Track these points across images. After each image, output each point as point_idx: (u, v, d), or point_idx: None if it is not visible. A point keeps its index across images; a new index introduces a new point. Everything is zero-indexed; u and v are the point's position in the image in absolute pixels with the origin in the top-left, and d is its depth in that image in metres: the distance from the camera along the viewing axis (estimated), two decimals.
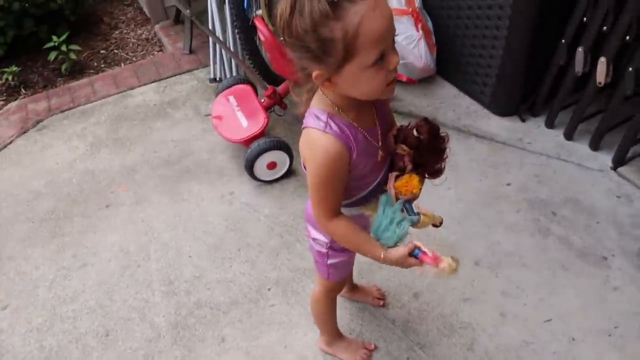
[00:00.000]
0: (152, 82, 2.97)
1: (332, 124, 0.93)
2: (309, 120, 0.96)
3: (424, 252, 0.96)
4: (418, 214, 1.03)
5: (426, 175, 1.02)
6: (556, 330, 1.57)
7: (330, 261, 1.23)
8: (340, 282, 1.35)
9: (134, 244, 1.98)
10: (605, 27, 1.91)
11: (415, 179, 0.98)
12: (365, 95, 0.91)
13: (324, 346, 1.55)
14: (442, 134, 0.99)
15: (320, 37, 0.80)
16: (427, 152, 0.98)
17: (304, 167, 1.01)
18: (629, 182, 2.04)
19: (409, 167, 0.99)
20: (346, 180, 0.98)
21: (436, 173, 1.03)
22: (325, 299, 1.39)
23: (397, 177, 1.00)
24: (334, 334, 1.52)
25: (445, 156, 1.01)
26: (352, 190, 1.04)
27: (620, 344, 1.53)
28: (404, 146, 0.97)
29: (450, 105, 2.52)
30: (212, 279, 1.82)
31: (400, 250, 0.97)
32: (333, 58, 0.82)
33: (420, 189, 1.00)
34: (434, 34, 2.55)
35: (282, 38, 0.86)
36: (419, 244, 0.97)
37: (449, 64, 2.59)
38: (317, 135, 0.93)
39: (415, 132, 0.96)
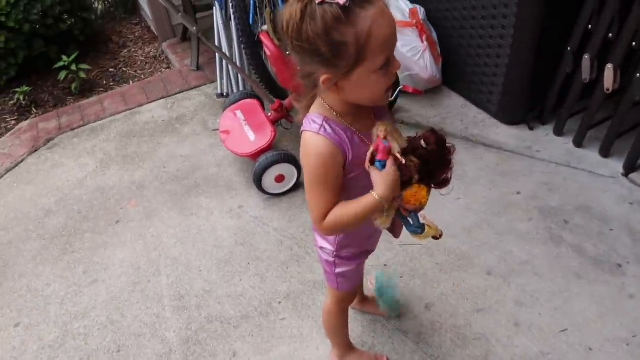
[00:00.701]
0: (161, 98, 3.01)
1: (327, 127, 0.95)
2: (305, 125, 0.98)
3: (380, 154, 0.94)
4: (423, 224, 1.05)
5: (433, 186, 1.02)
6: (573, 340, 1.54)
7: (338, 270, 1.23)
8: (350, 292, 1.34)
9: (144, 260, 1.98)
10: (611, 34, 1.91)
11: (423, 189, 0.99)
12: (367, 100, 0.94)
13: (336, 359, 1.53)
14: (448, 145, 1.00)
15: (332, 41, 0.82)
16: (435, 163, 0.99)
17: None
18: None
19: (416, 177, 0.99)
20: (341, 182, 0.99)
21: (443, 183, 1.04)
22: (337, 310, 1.37)
23: (404, 188, 1.00)
24: (346, 346, 1.50)
25: (451, 166, 1.02)
26: (355, 194, 1.03)
27: (639, 353, 1.49)
28: (412, 157, 0.98)
29: (457, 115, 2.52)
30: (222, 293, 1.81)
31: (374, 177, 0.94)
32: (344, 62, 0.84)
33: (427, 199, 1.01)
34: (438, 44, 2.57)
35: (289, 42, 0.87)
36: (371, 148, 0.95)
37: (455, 74, 2.60)
38: (311, 138, 0.95)
39: (423, 143, 0.97)
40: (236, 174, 2.36)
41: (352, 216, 0.98)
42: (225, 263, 1.92)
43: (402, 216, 1.05)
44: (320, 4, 0.80)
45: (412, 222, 1.04)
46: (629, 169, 2.07)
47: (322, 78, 0.88)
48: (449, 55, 2.57)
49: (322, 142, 0.94)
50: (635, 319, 1.58)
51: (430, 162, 0.98)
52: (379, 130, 0.94)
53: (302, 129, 0.98)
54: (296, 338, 1.64)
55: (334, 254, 1.19)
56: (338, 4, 0.79)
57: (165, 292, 1.84)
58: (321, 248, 1.21)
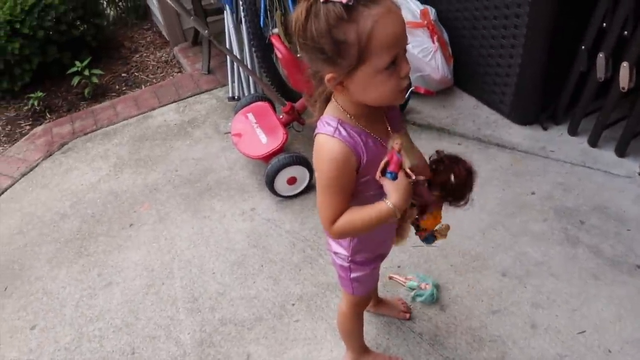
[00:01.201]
0: (172, 102, 3.03)
1: (342, 130, 0.94)
2: (319, 127, 0.97)
3: (392, 166, 0.92)
4: (434, 236, 1.09)
5: (453, 205, 1.05)
6: (591, 342, 1.52)
7: (353, 275, 1.22)
8: (365, 296, 1.33)
9: (157, 262, 1.99)
10: (626, 32, 1.89)
11: (439, 215, 1.02)
12: (375, 100, 0.92)
13: None
14: (474, 171, 1.01)
15: (334, 40, 0.82)
16: (461, 191, 1.01)
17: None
18: None
19: (433, 198, 1.00)
20: (353, 186, 0.98)
21: (464, 201, 1.05)
22: (352, 314, 1.36)
23: (421, 214, 1.01)
24: (360, 349, 1.50)
25: (472, 189, 1.04)
26: (370, 199, 1.03)
27: None
28: (435, 192, 1.00)
29: (469, 116, 2.50)
30: (235, 296, 1.81)
31: (387, 186, 0.93)
32: (347, 60, 0.84)
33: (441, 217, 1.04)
34: (450, 45, 2.56)
35: (297, 41, 0.87)
36: (385, 159, 0.93)
37: (467, 74, 2.58)
38: (325, 141, 0.95)
39: (453, 179, 0.98)
40: (248, 177, 2.36)
41: (367, 221, 0.98)
42: (238, 265, 1.93)
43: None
44: (325, 2, 0.80)
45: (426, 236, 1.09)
46: None
47: (327, 77, 0.88)
48: (461, 55, 2.55)
49: (337, 145, 0.93)
50: None
51: (456, 191, 0.99)
52: (395, 143, 0.93)
53: (316, 131, 0.98)
54: (310, 340, 1.63)
55: (349, 258, 1.18)
56: (341, 2, 0.79)
57: (179, 295, 1.85)
58: (335, 253, 1.21)
